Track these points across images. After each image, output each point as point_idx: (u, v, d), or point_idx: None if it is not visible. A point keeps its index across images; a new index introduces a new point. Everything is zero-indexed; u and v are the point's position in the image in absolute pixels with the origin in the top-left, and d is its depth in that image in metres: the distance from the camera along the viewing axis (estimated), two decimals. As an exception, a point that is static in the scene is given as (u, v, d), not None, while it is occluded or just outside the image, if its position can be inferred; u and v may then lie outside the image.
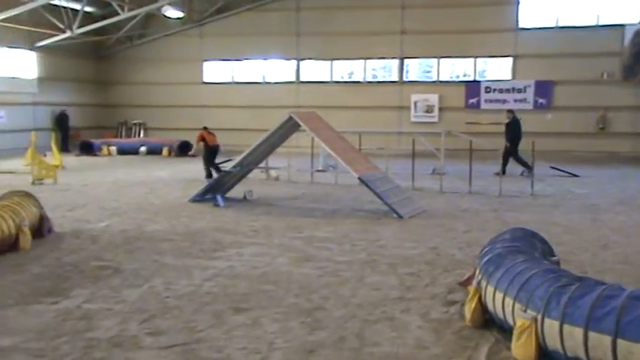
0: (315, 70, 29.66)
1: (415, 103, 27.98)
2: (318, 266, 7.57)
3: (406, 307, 5.96)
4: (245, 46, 29.63)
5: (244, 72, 30.48)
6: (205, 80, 30.84)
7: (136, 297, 6.26)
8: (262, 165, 15.12)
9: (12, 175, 17.38)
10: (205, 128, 17.70)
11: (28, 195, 9.29)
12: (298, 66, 29.62)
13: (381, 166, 13.49)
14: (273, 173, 16.76)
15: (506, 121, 18.44)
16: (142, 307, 5.94)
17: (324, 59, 29.22)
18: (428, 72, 28.67)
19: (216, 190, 12.75)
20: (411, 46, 27.81)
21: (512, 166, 17.91)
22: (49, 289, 6.50)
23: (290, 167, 16.68)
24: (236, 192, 13.45)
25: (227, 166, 13.33)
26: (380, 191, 11.34)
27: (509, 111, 19.07)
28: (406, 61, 28.36)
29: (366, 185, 11.39)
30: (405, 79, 28.39)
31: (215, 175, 16.40)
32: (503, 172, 16.80)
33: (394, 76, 28.62)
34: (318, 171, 17.28)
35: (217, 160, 17.38)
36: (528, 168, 17.15)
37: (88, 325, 5.40)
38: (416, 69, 28.83)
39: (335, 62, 29.28)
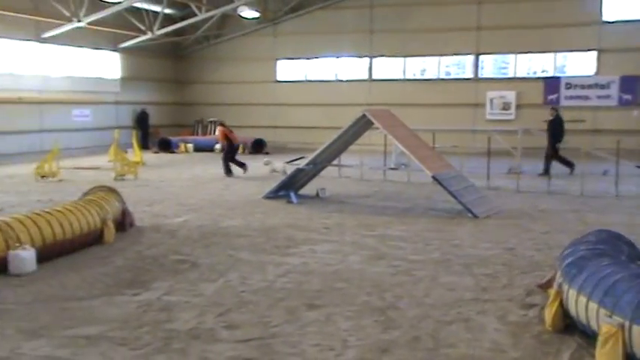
0: (387, 67, 29.46)
1: (491, 100, 27.32)
2: (391, 265, 7.52)
3: (482, 309, 5.82)
4: (318, 44, 29.77)
5: (317, 70, 30.64)
6: (279, 79, 31.20)
7: (213, 291, 6.41)
8: (335, 162, 15.14)
9: (96, 171, 18.16)
10: (223, 125, 17.93)
11: (111, 190, 9.68)
12: (371, 63, 29.49)
13: (455, 164, 13.25)
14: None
15: (549, 118, 17.70)
16: (219, 300, 6.07)
17: (397, 56, 28.97)
18: (504, 68, 27.90)
19: (289, 187, 12.89)
20: (487, 41, 27.16)
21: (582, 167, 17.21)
22: (131, 281, 6.74)
23: (362, 165, 16.64)
24: (309, 189, 13.54)
25: (300, 164, 13.43)
26: (454, 190, 11.14)
27: (553, 108, 18.30)
28: (481, 57, 27.73)
29: (440, 184, 11.22)
30: (479, 75, 27.77)
31: (237, 169, 17.17)
32: (547, 171, 16.16)
33: (468, 73, 28.04)
34: (391, 169, 17.16)
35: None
36: (571, 167, 16.57)
37: (168, 317, 5.56)
38: (491, 65, 28.12)
39: (408, 59, 28.98)
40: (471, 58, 27.79)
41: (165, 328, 5.29)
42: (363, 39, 29.08)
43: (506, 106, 27.04)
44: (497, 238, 9.11)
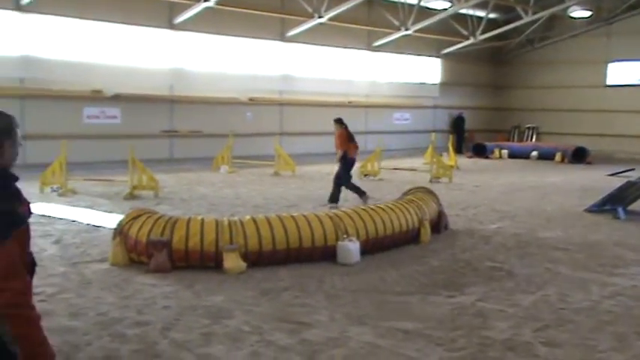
0: None
1: None
2: None
3: None
4: (659, 43, 26.62)
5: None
6: (609, 83, 28.66)
7: (529, 303, 6.13)
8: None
9: (412, 172, 18.92)
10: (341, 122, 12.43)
11: (429, 192, 9.95)
12: None
13: None
14: None
15: None
16: (535, 314, 5.78)
17: None
18: None
19: (617, 201, 11.72)
20: None
21: None
22: (445, 283, 6.83)
23: None
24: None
25: (632, 177, 12.12)
26: None
27: None
28: None
29: None
30: None
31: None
32: None
33: None
34: None
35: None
36: None
37: (483, 324, 5.48)
38: None
39: None
40: None
41: (480, 334, 5.22)
42: None
43: None
44: None
